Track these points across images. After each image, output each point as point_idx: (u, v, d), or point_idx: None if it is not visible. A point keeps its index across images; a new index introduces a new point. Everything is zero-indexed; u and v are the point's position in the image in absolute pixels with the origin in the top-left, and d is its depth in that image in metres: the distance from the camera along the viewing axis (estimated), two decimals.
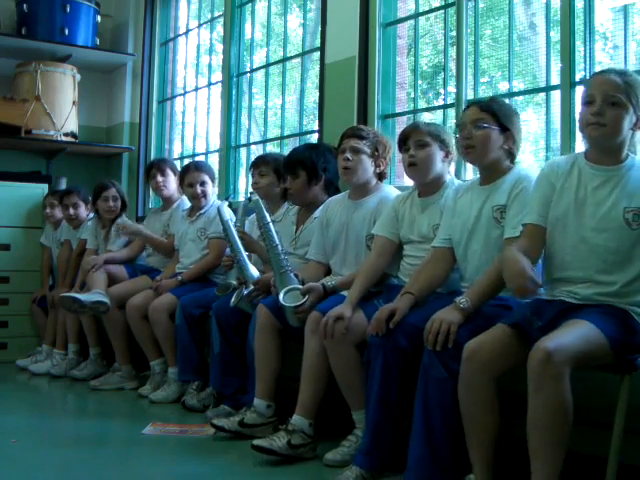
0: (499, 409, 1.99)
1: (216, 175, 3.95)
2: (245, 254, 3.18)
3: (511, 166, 2.36)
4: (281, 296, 2.69)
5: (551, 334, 1.84)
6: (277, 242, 2.85)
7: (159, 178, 4.04)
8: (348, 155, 2.81)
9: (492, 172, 2.35)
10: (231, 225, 3.23)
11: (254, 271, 3.14)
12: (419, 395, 2.10)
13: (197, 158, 4.95)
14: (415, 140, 2.56)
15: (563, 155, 2.79)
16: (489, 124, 2.29)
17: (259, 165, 3.45)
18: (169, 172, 4.08)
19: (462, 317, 2.09)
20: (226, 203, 3.34)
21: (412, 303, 2.30)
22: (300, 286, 2.72)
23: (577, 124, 2.08)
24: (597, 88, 2.00)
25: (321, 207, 3.08)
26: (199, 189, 3.76)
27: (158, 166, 4.08)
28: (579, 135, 2.75)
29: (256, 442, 2.50)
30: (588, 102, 2.01)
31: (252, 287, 3.04)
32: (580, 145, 2.79)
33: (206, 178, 3.78)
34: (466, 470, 2.06)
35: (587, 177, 2.06)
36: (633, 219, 1.97)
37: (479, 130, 2.29)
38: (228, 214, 3.35)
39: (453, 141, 2.61)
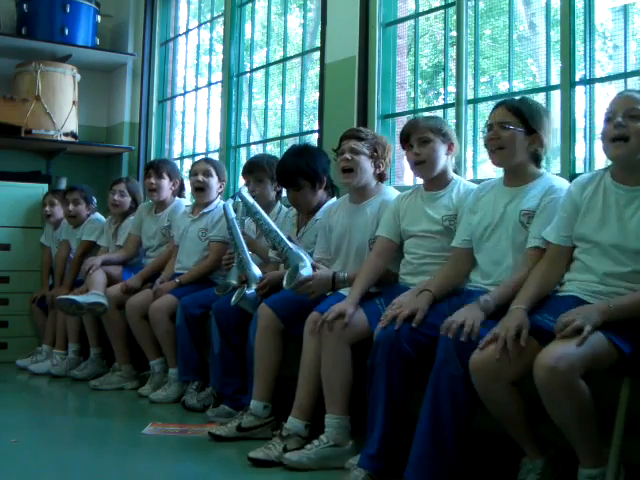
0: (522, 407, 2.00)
1: (225, 176, 3.84)
2: (248, 253, 3.18)
3: (540, 172, 2.34)
4: (284, 281, 2.70)
5: (552, 346, 1.83)
6: (273, 226, 2.87)
7: (152, 180, 3.99)
8: (347, 156, 2.80)
9: (518, 174, 2.33)
10: (236, 224, 3.21)
11: (257, 270, 3.13)
12: (429, 391, 2.08)
13: (197, 158, 4.94)
14: (417, 137, 2.56)
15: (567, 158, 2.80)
16: (515, 126, 2.27)
17: (254, 171, 3.42)
18: (165, 176, 3.99)
19: (485, 316, 2.10)
20: (231, 202, 3.33)
21: (431, 301, 2.31)
22: (306, 260, 2.72)
23: (601, 143, 2.06)
24: (617, 105, 2.02)
25: (321, 210, 3.08)
26: (200, 177, 3.70)
27: (156, 167, 4.01)
28: (579, 135, 2.77)
29: (252, 454, 2.49)
30: (609, 119, 2.02)
31: (254, 287, 3.03)
32: (580, 146, 2.80)
33: (211, 170, 3.71)
34: (469, 465, 2.08)
35: (612, 196, 2.06)
36: None
37: (505, 131, 2.28)
38: (233, 213, 3.33)
39: (454, 134, 2.63)
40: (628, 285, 1.98)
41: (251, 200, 3.08)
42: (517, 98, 2.43)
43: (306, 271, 2.68)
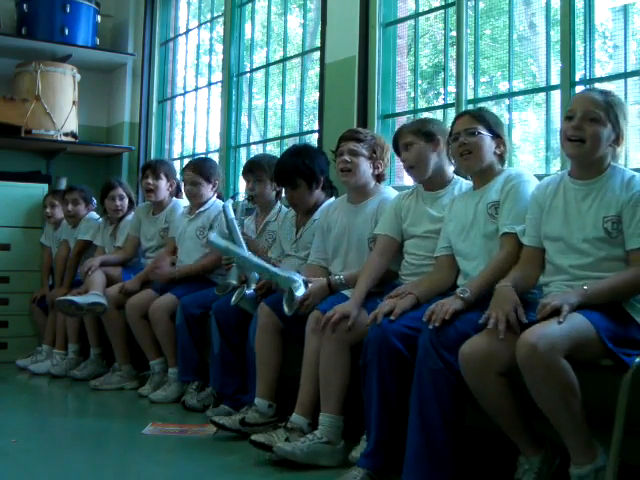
0: (513, 401, 2.01)
1: (216, 174, 3.82)
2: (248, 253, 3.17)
3: (502, 169, 2.43)
4: (285, 308, 2.70)
5: (534, 326, 1.87)
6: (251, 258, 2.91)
7: (149, 180, 3.98)
8: (346, 157, 2.81)
9: (485, 176, 2.41)
10: (236, 224, 3.22)
11: None
12: (414, 389, 2.11)
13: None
14: (402, 143, 2.63)
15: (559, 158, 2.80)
16: (481, 130, 2.36)
17: (255, 171, 3.42)
18: (162, 176, 3.99)
19: (462, 305, 2.14)
20: (231, 202, 3.34)
21: (413, 302, 2.33)
22: (297, 278, 2.72)
23: (559, 138, 2.16)
24: (578, 105, 2.09)
25: (319, 210, 3.08)
26: (188, 187, 3.75)
27: (154, 168, 4.01)
28: None
29: (254, 437, 2.50)
30: (569, 117, 2.09)
31: (253, 288, 3.03)
32: None
33: (198, 179, 3.73)
34: (464, 463, 2.09)
35: (571, 193, 2.14)
36: (612, 227, 2.03)
37: (472, 137, 2.36)
38: (233, 213, 3.33)
39: (441, 130, 2.62)
40: (599, 274, 2.03)
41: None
42: (476, 108, 2.54)
43: (300, 291, 2.69)
